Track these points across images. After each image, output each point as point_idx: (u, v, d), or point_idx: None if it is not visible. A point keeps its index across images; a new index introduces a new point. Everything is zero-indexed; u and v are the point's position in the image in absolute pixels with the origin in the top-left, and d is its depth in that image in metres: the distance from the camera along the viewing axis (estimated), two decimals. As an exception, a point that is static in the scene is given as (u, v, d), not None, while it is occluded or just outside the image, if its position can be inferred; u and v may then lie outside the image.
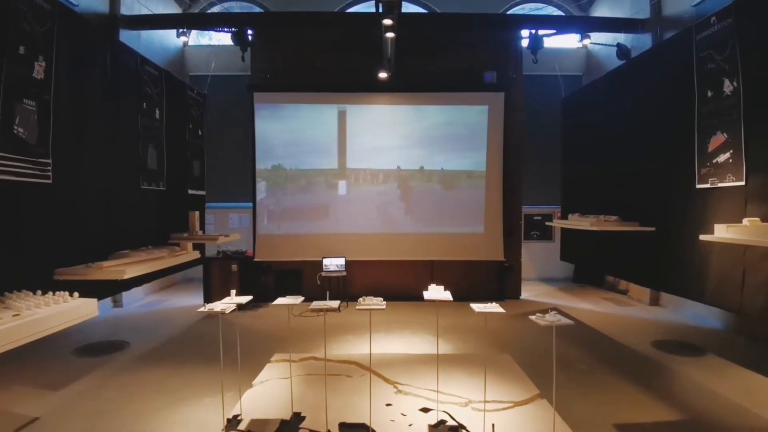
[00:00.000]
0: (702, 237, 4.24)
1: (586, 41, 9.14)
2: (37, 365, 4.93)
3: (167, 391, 4.31)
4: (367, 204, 8.28)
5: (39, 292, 3.47)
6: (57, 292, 3.45)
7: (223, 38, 9.72)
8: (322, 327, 4.03)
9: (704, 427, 3.63)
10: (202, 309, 3.54)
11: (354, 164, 8.27)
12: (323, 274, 7.73)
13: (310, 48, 8.23)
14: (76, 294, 3.52)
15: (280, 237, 8.22)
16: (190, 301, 8.11)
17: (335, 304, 3.79)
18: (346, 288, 7.69)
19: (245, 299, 3.80)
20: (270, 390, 4.31)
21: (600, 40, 8.85)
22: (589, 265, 8.39)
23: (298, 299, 3.75)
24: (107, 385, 4.49)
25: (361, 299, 3.71)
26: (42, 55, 3.92)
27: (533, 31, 7.92)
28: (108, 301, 7.46)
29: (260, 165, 8.19)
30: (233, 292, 3.84)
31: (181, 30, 9.17)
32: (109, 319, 6.89)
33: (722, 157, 4.38)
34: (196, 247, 6.37)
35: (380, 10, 6.00)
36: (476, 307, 3.55)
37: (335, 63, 8.15)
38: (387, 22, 6.14)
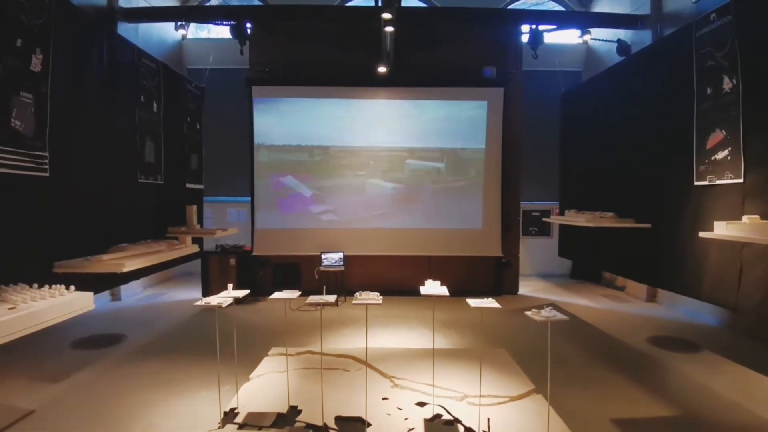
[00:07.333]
0: (702, 234, 4.23)
1: (587, 37, 9.09)
2: (34, 358, 4.94)
3: (164, 384, 4.32)
4: (365, 199, 8.28)
5: (35, 285, 3.47)
6: (53, 286, 3.45)
7: (221, 31, 9.66)
8: (319, 321, 4.04)
9: (698, 423, 3.66)
10: (199, 303, 3.54)
11: (352, 159, 8.27)
12: (321, 268, 7.74)
13: (309, 42, 8.20)
14: (72, 287, 3.52)
15: (278, 231, 8.22)
16: (187, 294, 8.12)
17: (332, 298, 3.80)
18: (344, 283, 7.71)
19: (242, 293, 3.81)
20: (267, 383, 4.32)
21: (600, 35, 8.80)
22: (587, 261, 8.41)
23: (295, 293, 3.76)
24: (104, 378, 4.51)
25: (357, 294, 3.72)
26: (39, 48, 3.90)
27: (533, 27, 7.88)
28: (106, 294, 7.46)
29: (258, 159, 8.18)
30: (230, 286, 3.85)
31: (179, 23, 9.12)
32: (107, 313, 6.90)
33: (721, 155, 4.38)
34: (193, 240, 6.37)
35: (379, 4, 5.97)
36: (472, 302, 3.56)
37: (334, 57, 8.11)
38: (386, 16, 6.10)
